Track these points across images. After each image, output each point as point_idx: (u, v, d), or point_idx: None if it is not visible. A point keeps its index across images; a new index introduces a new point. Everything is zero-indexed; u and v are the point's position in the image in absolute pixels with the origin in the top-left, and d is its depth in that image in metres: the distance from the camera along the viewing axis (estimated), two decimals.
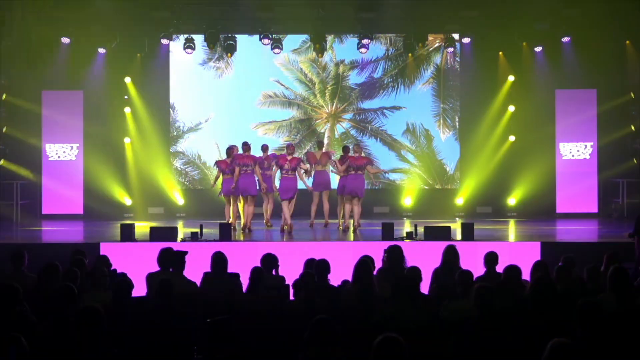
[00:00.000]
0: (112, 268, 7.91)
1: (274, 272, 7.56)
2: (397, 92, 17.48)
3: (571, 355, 3.97)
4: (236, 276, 7.37)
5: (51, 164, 16.88)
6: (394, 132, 17.54)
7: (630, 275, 6.28)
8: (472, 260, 8.63)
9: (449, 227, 11.57)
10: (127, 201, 16.92)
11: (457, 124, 17.52)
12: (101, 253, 9.59)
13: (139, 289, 7.26)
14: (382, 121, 17.54)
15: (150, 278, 7.23)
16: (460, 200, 17.20)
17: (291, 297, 6.91)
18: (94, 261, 8.02)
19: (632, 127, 16.88)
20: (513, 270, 6.84)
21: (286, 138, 17.25)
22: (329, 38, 17.03)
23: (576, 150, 17.11)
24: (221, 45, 16.69)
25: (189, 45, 16.29)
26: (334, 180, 14.19)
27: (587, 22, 15.92)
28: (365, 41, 16.22)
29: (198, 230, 11.70)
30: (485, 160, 17.08)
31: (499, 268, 7.38)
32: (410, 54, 17.01)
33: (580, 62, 16.54)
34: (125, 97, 17.07)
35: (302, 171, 13.58)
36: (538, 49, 16.68)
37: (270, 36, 15.99)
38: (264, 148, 13.91)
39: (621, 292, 6.01)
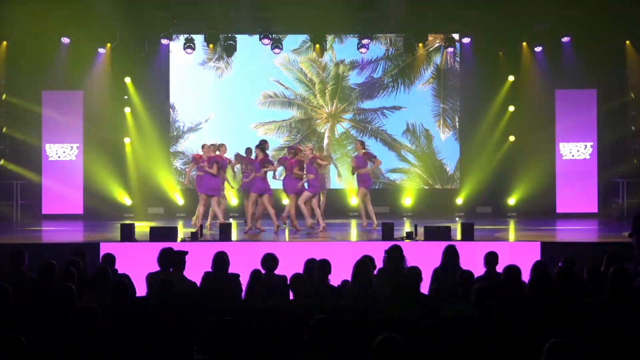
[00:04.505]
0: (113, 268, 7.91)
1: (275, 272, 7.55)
2: (397, 92, 17.48)
3: (569, 355, 3.97)
4: (236, 276, 7.37)
5: (51, 164, 16.88)
6: (394, 132, 17.54)
7: (630, 275, 6.27)
8: (472, 260, 8.62)
9: (449, 227, 11.56)
10: (127, 201, 16.92)
11: (457, 124, 17.51)
12: (101, 253, 9.58)
13: (139, 289, 7.27)
14: (382, 121, 17.54)
15: (150, 278, 7.23)
16: (460, 200, 17.19)
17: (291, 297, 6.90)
18: (99, 260, 8.01)
19: (632, 127, 16.88)
20: (513, 270, 6.84)
21: (286, 138, 17.26)
22: (329, 38, 17.03)
23: (576, 150, 17.11)
24: (221, 45, 16.70)
25: (189, 45, 16.29)
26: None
27: (587, 22, 15.92)
28: (365, 41, 16.22)
29: (198, 230, 11.71)
30: (485, 160, 17.07)
31: (499, 268, 7.38)
32: (410, 54, 17.02)
33: (580, 62, 16.52)
34: (125, 97, 17.07)
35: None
36: (538, 49, 16.67)
37: (270, 36, 15.99)
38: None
39: (621, 293, 6.00)
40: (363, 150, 14.09)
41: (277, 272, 7.47)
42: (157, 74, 17.10)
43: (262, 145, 13.43)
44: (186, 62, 17.18)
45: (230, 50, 16.53)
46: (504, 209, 17.00)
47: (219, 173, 13.41)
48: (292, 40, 17.20)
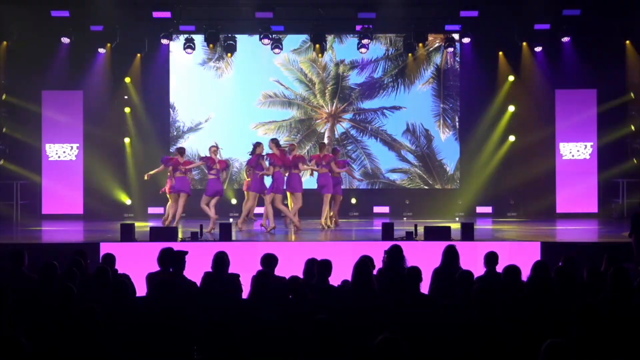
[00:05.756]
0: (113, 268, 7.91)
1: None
2: (397, 92, 17.49)
3: (566, 355, 3.96)
4: (236, 277, 7.36)
5: (51, 164, 16.89)
6: (394, 132, 17.55)
7: (630, 275, 6.27)
8: (472, 260, 8.62)
9: (449, 227, 11.55)
10: (127, 201, 16.92)
11: (457, 124, 17.52)
12: (101, 253, 9.58)
13: (139, 289, 7.26)
14: (382, 121, 17.55)
15: (150, 278, 7.22)
16: (460, 201, 17.19)
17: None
18: (99, 260, 8.00)
19: (632, 127, 16.87)
20: (513, 271, 6.83)
21: (286, 138, 17.25)
22: (329, 38, 17.03)
23: (576, 150, 17.11)
24: (221, 45, 16.70)
25: (189, 45, 16.29)
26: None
27: (587, 22, 15.93)
28: (365, 41, 16.22)
29: (198, 230, 11.71)
30: (485, 160, 17.09)
31: (499, 268, 7.37)
32: (410, 54, 17.02)
33: (580, 62, 16.54)
34: (125, 97, 17.07)
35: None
36: (538, 49, 16.68)
37: (270, 36, 15.99)
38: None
39: (622, 293, 6.00)
40: (277, 150, 13.27)
41: (277, 272, 7.48)
42: (157, 74, 17.11)
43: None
44: (186, 62, 17.19)
45: (230, 50, 16.53)
46: (504, 209, 17.01)
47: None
48: (292, 40, 17.21)
